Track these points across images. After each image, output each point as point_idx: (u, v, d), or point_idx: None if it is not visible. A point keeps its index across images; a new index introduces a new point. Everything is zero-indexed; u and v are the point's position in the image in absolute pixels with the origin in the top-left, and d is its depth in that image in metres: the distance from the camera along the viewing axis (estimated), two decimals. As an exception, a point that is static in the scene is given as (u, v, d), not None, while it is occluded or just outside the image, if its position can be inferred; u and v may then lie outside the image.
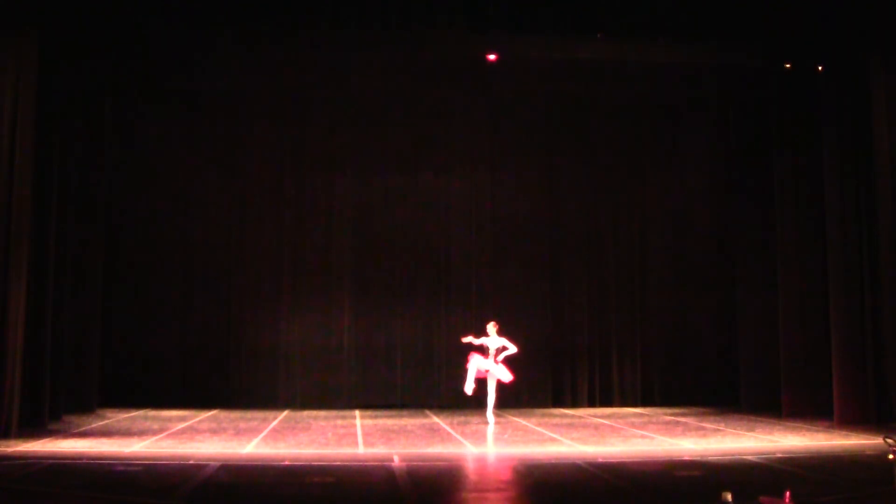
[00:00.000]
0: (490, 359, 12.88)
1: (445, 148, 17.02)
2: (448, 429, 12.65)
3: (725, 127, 16.73)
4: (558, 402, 16.58)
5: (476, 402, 15.64)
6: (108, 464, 9.14)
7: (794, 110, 14.48)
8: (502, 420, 13.99)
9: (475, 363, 12.93)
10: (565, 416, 14.90)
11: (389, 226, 16.82)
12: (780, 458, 9.68)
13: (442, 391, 16.19)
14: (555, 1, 12.60)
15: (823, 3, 12.77)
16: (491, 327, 13.12)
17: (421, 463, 9.56)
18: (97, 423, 12.90)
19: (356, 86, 16.19)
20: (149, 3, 12.31)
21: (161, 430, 12.06)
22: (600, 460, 9.56)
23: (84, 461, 9.33)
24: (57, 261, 12.70)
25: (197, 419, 13.66)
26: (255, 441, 11.12)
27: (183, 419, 13.55)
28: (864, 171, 13.14)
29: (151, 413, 14.53)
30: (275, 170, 16.83)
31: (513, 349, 12.97)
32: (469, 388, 12.99)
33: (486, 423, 13.02)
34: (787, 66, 14.04)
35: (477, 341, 13.03)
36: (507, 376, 13.02)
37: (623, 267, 17.17)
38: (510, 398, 16.28)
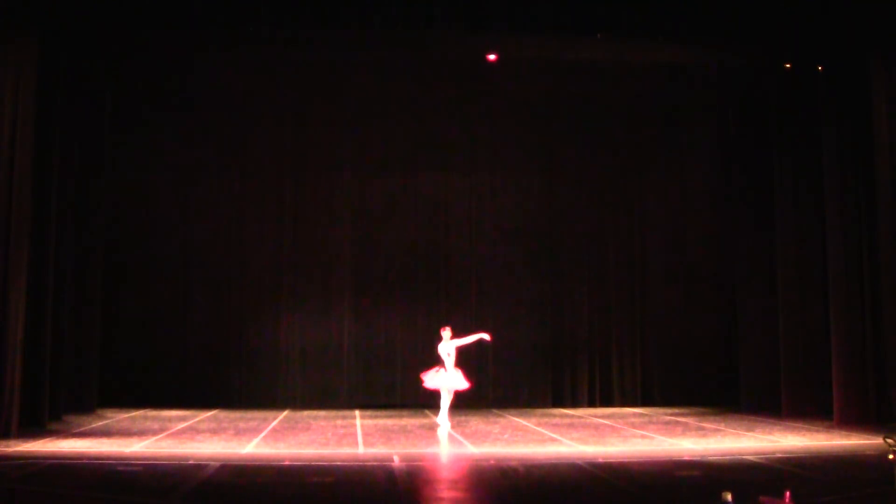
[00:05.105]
0: (450, 367, 12.53)
1: (445, 148, 17.01)
2: (448, 430, 12.63)
3: (725, 127, 16.71)
4: (558, 402, 16.57)
5: (476, 401, 15.71)
6: (108, 464, 9.14)
7: (794, 110, 14.46)
8: (502, 420, 14.00)
9: (435, 382, 12.66)
10: (565, 416, 14.90)
11: (389, 226, 16.82)
12: (780, 458, 9.68)
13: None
14: (555, 1, 12.60)
15: (823, 3, 12.78)
16: (445, 333, 12.70)
17: (421, 463, 9.56)
18: (97, 423, 12.90)
19: (356, 86, 16.21)
20: (149, 4, 12.31)
21: (161, 430, 12.06)
22: (600, 460, 9.56)
23: (84, 461, 9.33)
24: (57, 260, 12.69)
25: (197, 419, 13.66)
26: (255, 441, 11.12)
27: (183, 419, 13.55)
28: (864, 170, 13.14)
29: (151, 413, 14.53)
30: (275, 170, 16.82)
31: (472, 339, 12.72)
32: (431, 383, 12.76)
33: (441, 425, 12.59)
34: (787, 66, 14.05)
35: (440, 365, 12.68)
36: (463, 384, 12.72)
37: (623, 267, 17.17)
38: (510, 398, 16.36)
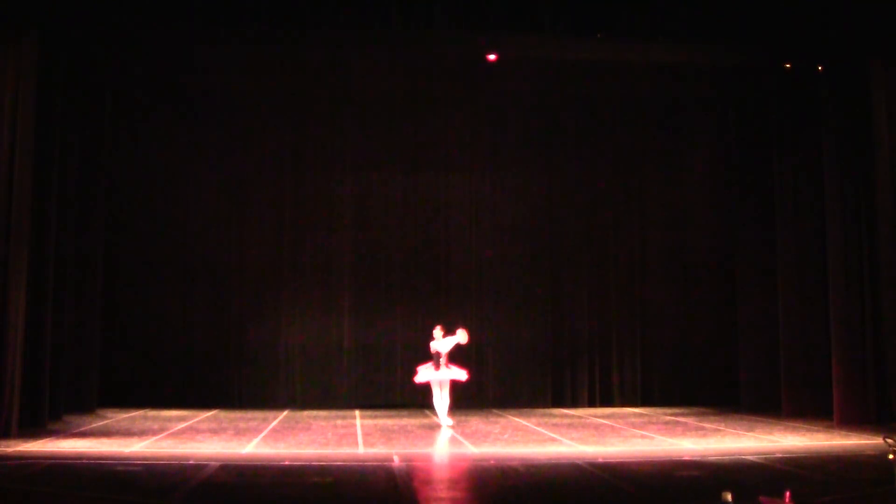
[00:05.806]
0: (442, 364, 12.69)
1: (445, 148, 17.01)
2: (448, 428, 12.63)
3: (725, 127, 16.72)
4: (558, 402, 16.57)
5: (476, 401, 15.71)
6: (108, 464, 9.14)
7: (794, 110, 14.47)
8: (502, 420, 14.00)
9: (426, 376, 12.83)
10: (565, 416, 14.90)
11: (389, 226, 16.82)
12: (780, 458, 9.68)
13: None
14: (555, 1, 12.60)
15: (823, 3, 12.78)
16: (437, 332, 12.86)
17: (421, 463, 9.55)
18: (97, 423, 12.90)
19: (356, 86, 16.21)
20: (149, 3, 12.31)
21: (161, 430, 12.06)
22: (600, 460, 9.56)
23: (84, 461, 9.34)
24: (57, 260, 12.70)
25: (197, 419, 13.66)
26: (255, 441, 11.12)
27: (183, 419, 13.55)
28: (864, 170, 13.15)
29: (151, 413, 14.53)
30: (275, 170, 16.83)
31: (463, 339, 12.78)
32: (424, 377, 12.96)
33: (443, 425, 12.70)
34: (787, 66, 14.05)
35: (432, 362, 12.82)
36: (461, 375, 12.87)
37: (623, 267, 17.17)
38: (510, 398, 16.35)
